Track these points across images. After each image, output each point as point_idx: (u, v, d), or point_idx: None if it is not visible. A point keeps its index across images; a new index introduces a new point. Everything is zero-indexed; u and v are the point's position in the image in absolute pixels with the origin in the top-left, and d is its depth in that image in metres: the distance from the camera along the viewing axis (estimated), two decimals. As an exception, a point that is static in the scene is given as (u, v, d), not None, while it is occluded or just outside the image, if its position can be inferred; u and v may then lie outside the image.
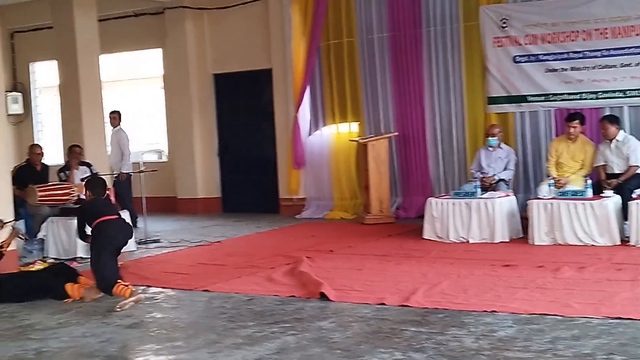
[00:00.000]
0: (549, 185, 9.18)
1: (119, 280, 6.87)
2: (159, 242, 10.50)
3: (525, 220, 9.27)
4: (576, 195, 8.88)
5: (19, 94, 15.51)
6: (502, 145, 10.35)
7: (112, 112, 12.31)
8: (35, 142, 13.29)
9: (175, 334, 5.83)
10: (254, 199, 13.45)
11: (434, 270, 7.63)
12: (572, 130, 9.70)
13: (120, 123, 12.44)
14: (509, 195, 9.60)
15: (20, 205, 9.80)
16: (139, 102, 15.42)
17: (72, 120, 12.17)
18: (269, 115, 13.13)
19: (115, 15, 14.08)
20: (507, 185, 10.04)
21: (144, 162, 11.89)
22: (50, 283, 7.24)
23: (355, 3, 12.11)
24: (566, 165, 9.75)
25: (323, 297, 6.65)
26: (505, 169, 10.22)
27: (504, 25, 10.95)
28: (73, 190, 9.97)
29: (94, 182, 7.97)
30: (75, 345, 5.66)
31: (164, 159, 14.97)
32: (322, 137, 12.67)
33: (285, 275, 7.74)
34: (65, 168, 10.49)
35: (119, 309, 6.60)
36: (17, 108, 15.36)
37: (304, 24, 12.43)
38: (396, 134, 11.79)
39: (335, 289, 6.86)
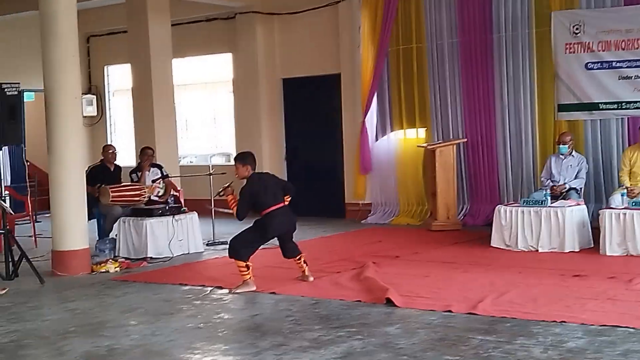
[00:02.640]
0: (622, 195, 8.99)
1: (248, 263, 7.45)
2: (226, 244, 10.56)
3: (596, 230, 9.10)
4: (650, 205, 8.68)
5: (94, 96, 15.92)
6: (574, 153, 10.18)
7: None
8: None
9: (243, 335, 5.91)
10: (320, 203, 13.49)
11: (502, 278, 7.55)
12: (646, 138, 9.49)
13: None
14: (579, 205, 9.43)
15: (93, 205, 10.05)
16: (208, 106, 15.63)
17: (144, 123, 12.46)
18: (336, 120, 13.17)
19: (188, 20, 14.32)
20: (578, 194, 9.87)
21: (212, 165, 12.04)
22: None
23: (425, 8, 12.06)
24: (640, 175, 9.55)
25: (389, 302, 6.65)
26: (576, 177, 10.03)
27: (577, 31, 10.78)
28: (144, 192, 10.20)
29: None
30: (145, 344, 5.78)
31: (232, 162, 15.09)
32: (389, 143, 12.64)
33: (351, 279, 7.77)
34: (137, 169, 10.69)
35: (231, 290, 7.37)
36: (91, 110, 15.76)
37: (373, 30, 12.44)
38: (465, 140, 11.70)
39: (402, 295, 6.85)
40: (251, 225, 7.66)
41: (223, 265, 9.05)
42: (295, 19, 13.50)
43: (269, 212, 7.55)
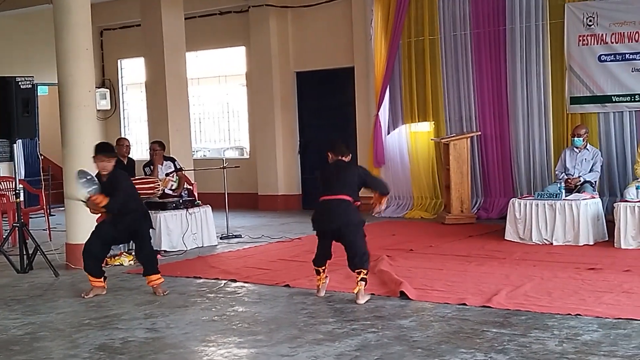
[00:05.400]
0: (637, 188, 8.94)
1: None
2: (240, 237, 10.65)
3: (610, 224, 9.06)
4: (665, 198, 8.63)
5: (107, 90, 15.95)
6: (588, 146, 10.12)
7: None
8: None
9: (257, 328, 5.92)
10: (334, 196, 13.45)
11: (516, 272, 7.53)
12: (660, 131, 9.43)
13: None
14: (594, 198, 9.39)
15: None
16: (222, 100, 15.66)
17: (158, 116, 12.48)
18: (350, 113, 13.15)
19: (201, 13, 14.33)
20: (592, 187, 9.82)
21: (226, 159, 12.06)
22: None
23: (438, 0, 12.00)
24: (655, 168, 9.48)
25: (403, 295, 6.65)
26: (591, 170, 9.98)
27: (590, 23, 10.71)
28: (158, 185, 10.19)
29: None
30: (160, 336, 5.80)
31: (246, 155, 15.16)
32: (402, 136, 12.60)
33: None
34: (150, 163, 10.70)
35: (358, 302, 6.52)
36: (105, 104, 15.79)
37: (386, 22, 12.38)
38: (479, 133, 11.65)
39: (416, 288, 6.85)
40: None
41: (237, 259, 9.07)
42: (308, 12, 13.49)
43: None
